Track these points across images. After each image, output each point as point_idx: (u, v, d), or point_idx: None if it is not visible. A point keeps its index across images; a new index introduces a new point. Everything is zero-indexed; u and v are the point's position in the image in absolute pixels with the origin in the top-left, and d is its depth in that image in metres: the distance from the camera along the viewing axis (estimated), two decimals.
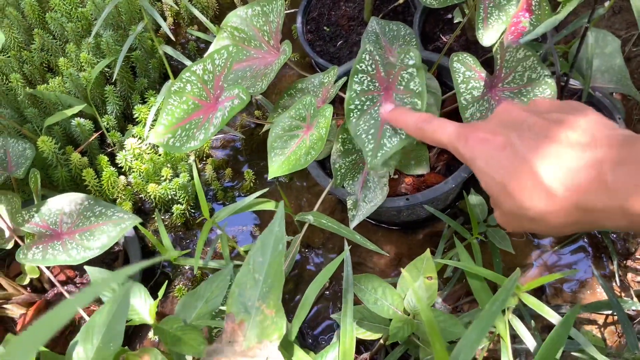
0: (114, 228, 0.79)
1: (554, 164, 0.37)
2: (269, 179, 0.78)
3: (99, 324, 0.55)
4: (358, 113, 0.72)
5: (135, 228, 1.06)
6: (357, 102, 0.72)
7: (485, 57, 1.11)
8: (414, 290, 0.67)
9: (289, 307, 1.03)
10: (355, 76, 0.72)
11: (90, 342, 0.55)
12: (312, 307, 1.03)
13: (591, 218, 0.37)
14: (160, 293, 0.73)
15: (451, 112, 0.98)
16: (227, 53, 0.77)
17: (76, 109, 0.92)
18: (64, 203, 0.81)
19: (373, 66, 0.73)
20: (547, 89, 0.82)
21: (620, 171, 0.35)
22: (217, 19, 1.38)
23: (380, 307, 0.69)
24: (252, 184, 1.12)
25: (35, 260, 0.74)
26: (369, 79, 0.73)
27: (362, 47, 0.73)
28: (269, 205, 0.90)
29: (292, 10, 1.33)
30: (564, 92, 0.96)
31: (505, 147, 0.41)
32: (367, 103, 0.72)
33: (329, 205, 1.14)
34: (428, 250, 0.76)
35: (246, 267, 0.43)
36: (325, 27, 1.23)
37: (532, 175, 0.38)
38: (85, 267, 0.73)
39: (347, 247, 0.65)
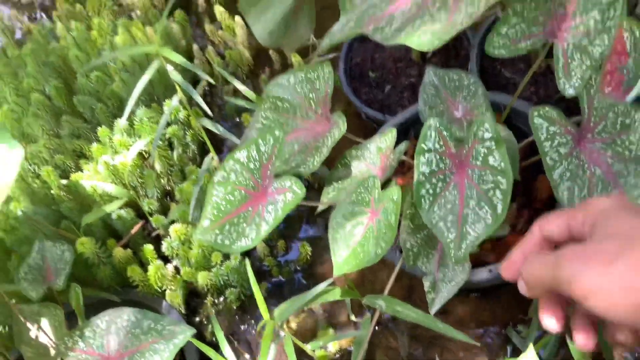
0: (167, 345, 0.70)
1: None
2: (334, 275, 0.68)
3: None
4: (430, 199, 0.61)
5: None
6: (428, 186, 0.61)
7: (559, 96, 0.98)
8: None
9: None
10: (422, 156, 0.62)
11: None
12: None
13: None
14: None
15: (529, 166, 0.86)
16: (273, 139, 0.68)
17: (115, 204, 0.84)
18: (108, 321, 0.72)
19: (441, 142, 0.62)
20: None
21: None
22: (252, 73, 1.29)
23: None
24: (308, 257, 1.02)
25: None
26: (437, 157, 0.62)
27: (426, 123, 0.62)
28: (335, 295, 0.79)
29: (333, 55, 1.23)
30: None
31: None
32: (440, 185, 0.61)
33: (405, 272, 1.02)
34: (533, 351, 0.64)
35: None
36: (370, 72, 1.13)
37: None
38: None
39: None
